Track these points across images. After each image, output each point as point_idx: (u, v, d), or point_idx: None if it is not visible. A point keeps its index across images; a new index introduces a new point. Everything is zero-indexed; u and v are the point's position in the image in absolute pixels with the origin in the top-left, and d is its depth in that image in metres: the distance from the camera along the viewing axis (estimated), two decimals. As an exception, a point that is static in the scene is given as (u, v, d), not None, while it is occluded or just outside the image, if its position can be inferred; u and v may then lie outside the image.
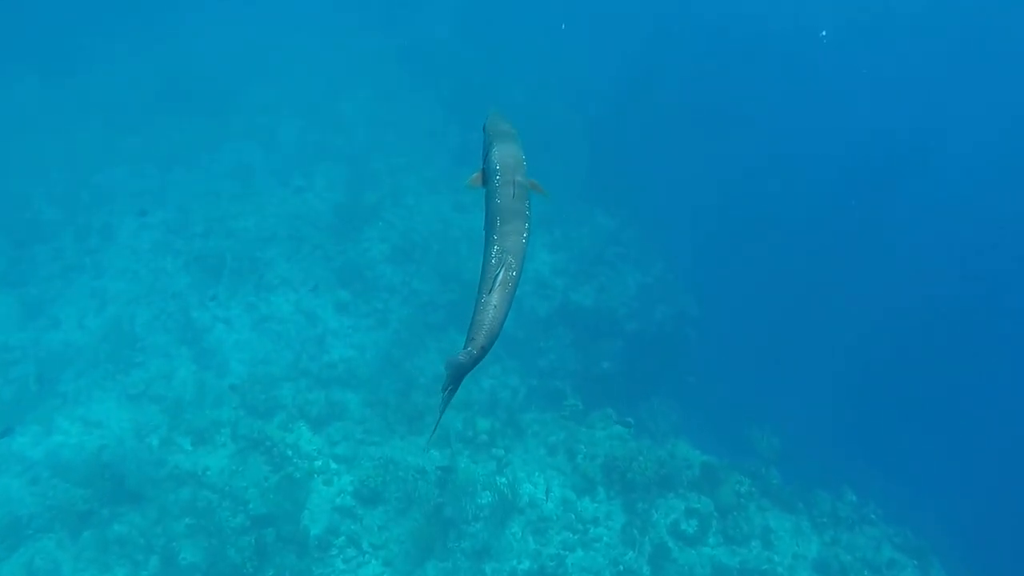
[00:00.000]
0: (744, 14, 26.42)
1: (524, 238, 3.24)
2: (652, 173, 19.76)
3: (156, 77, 21.79)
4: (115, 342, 13.19)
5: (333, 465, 10.98)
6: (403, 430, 11.73)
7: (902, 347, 17.77)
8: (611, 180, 19.14)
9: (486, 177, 3.50)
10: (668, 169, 19.85)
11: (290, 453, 10.87)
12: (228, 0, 26.41)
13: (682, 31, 26.50)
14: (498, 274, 3.10)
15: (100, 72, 22.23)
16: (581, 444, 11.79)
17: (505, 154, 3.47)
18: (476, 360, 2.99)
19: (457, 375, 3.03)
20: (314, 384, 13.05)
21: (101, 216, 16.26)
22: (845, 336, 17.68)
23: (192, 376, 12.73)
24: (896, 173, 22.78)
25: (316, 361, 13.46)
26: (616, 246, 17.18)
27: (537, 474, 11.29)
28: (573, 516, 10.76)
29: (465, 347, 3.01)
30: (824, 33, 27.89)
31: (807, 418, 14.82)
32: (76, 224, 16.04)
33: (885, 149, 23.35)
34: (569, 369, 15.18)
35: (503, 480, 10.86)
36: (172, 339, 13.46)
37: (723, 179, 20.34)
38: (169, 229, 15.85)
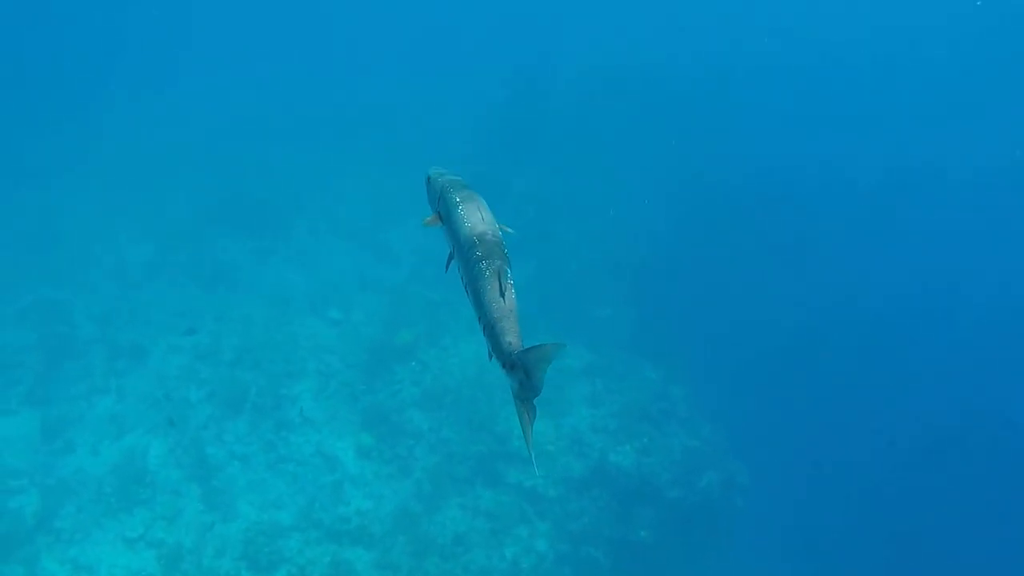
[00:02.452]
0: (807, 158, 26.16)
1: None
2: (706, 324, 19.00)
3: (212, 193, 22.31)
4: (124, 474, 12.58)
5: (330, 642, 9.89)
6: (412, 604, 10.64)
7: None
8: (661, 330, 18.43)
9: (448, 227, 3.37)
10: (725, 321, 19.09)
11: (285, 624, 9.85)
12: (284, 121, 27.52)
13: (731, 175, 26.40)
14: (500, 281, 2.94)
15: (158, 187, 22.89)
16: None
17: (472, 210, 3.28)
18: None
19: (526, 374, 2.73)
20: (324, 537, 12.15)
21: (134, 335, 16.08)
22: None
23: (196, 518, 11.97)
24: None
25: (329, 512, 12.60)
26: (662, 403, 16.21)
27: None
28: None
29: (502, 349, 2.81)
30: None
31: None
32: (109, 342, 15.88)
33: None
34: (604, 535, 13.99)
35: None
36: (183, 475, 12.80)
37: (785, 337, 19.49)
38: (199, 354, 15.53)
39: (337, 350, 16.01)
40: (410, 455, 14.12)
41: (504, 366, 2.84)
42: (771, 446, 15.96)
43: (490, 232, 3.16)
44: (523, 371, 2.74)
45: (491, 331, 2.90)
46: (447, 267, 3.50)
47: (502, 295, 2.92)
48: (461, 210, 3.27)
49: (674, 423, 15.64)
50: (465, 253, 3.13)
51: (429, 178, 3.69)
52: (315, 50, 36.99)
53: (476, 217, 3.23)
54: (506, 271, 2.99)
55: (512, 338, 2.84)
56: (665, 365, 17.23)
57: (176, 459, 13.09)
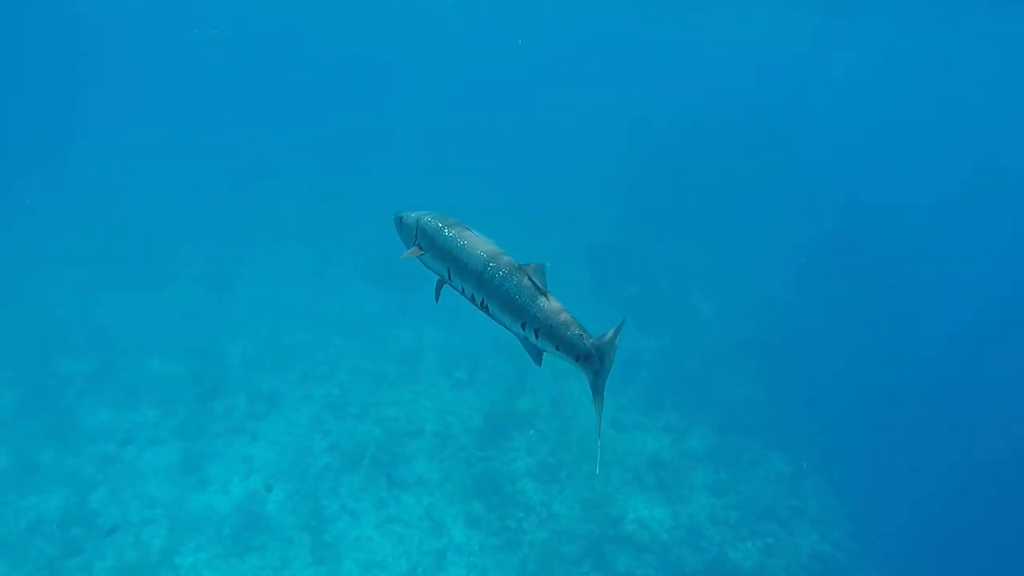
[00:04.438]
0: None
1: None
2: (847, 414, 17.27)
3: (366, 251, 23.51)
4: (244, 517, 13.14)
5: None
6: None
7: None
8: (795, 415, 16.98)
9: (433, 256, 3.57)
10: (870, 411, 17.27)
11: None
12: (424, 181, 28.62)
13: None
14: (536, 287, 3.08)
15: (323, 245, 24.46)
16: None
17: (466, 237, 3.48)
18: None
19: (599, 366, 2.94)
20: (422, 607, 11.97)
21: (275, 381, 17.03)
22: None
23: (303, 572, 12.21)
24: None
25: (430, 580, 12.45)
26: (792, 499, 14.81)
27: None
28: None
29: (572, 342, 2.95)
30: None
31: None
32: (251, 385, 16.91)
33: None
34: (717, 642, 12.84)
35: None
36: (296, 524, 13.17)
37: (943, 434, 17.27)
38: (327, 405, 16.15)
39: (458, 412, 16.05)
40: (519, 528, 13.72)
41: (579, 359, 2.98)
42: (918, 560, 13.97)
43: (498, 251, 3.32)
44: (598, 359, 2.93)
45: (551, 330, 3.00)
46: (437, 296, 3.74)
47: (545, 295, 3.06)
48: (458, 237, 3.45)
49: (804, 522, 14.19)
50: (480, 273, 3.24)
51: (401, 217, 3.86)
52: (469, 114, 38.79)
53: (479, 240, 3.41)
54: (541, 276, 3.14)
55: (578, 329, 2.99)
56: (797, 456, 15.79)
57: (293, 506, 13.52)
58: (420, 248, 3.64)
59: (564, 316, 3.02)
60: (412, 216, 3.76)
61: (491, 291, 3.19)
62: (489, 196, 27.32)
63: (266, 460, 14.67)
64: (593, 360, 2.95)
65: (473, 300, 3.35)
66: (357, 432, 15.22)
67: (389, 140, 32.90)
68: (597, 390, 3.02)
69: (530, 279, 3.12)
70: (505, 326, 3.24)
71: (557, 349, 3.04)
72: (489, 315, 3.33)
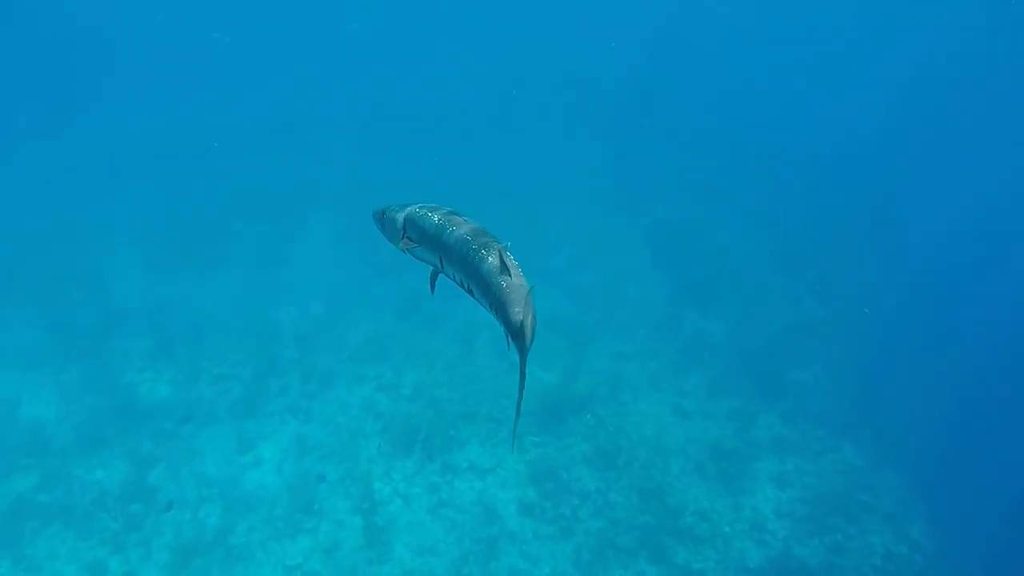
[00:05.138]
0: None
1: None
2: (930, 402, 16.19)
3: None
4: (297, 497, 13.09)
5: None
6: None
7: None
8: (871, 405, 16.00)
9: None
10: (956, 399, 16.16)
11: None
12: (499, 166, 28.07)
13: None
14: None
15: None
16: None
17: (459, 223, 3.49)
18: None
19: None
20: (473, 594, 11.71)
21: (328, 361, 16.93)
22: None
23: (353, 554, 12.08)
24: None
25: (481, 567, 12.17)
26: (864, 494, 13.94)
27: None
28: None
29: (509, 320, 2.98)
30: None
31: None
32: (305, 366, 16.84)
33: None
34: (779, 641, 12.23)
35: None
36: (349, 506, 13.04)
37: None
38: (380, 386, 15.97)
39: (512, 395, 15.65)
40: (574, 516, 13.31)
41: (512, 338, 3.02)
42: (1008, 567, 13.01)
43: (481, 230, 3.38)
44: (523, 337, 2.94)
45: (502, 307, 3.03)
46: (432, 288, 3.83)
47: (508, 273, 3.08)
48: (442, 221, 3.52)
49: (877, 520, 13.35)
50: (460, 253, 3.31)
51: (383, 212, 3.90)
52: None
53: (459, 220, 3.48)
54: (507, 252, 3.15)
55: (519, 308, 3.00)
56: (872, 447, 14.88)
57: (345, 489, 13.40)
58: (411, 240, 3.67)
59: (514, 294, 3.02)
60: (396, 208, 3.79)
61: (472, 275, 3.25)
62: (544, 172, 26.69)
63: (318, 441, 14.59)
64: (520, 340, 2.97)
65: (462, 286, 3.39)
66: (410, 414, 14.99)
67: (445, 114, 32.40)
68: (522, 371, 3.03)
69: (499, 258, 3.14)
70: (485, 308, 3.27)
71: (504, 329, 3.07)
72: (475, 299, 3.37)
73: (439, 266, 3.57)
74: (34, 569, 12.04)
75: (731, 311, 19.04)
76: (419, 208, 3.67)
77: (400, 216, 3.74)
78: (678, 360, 17.38)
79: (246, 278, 20.92)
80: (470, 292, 3.33)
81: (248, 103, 34.21)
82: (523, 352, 2.98)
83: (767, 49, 36.91)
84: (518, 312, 2.96)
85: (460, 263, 3.33)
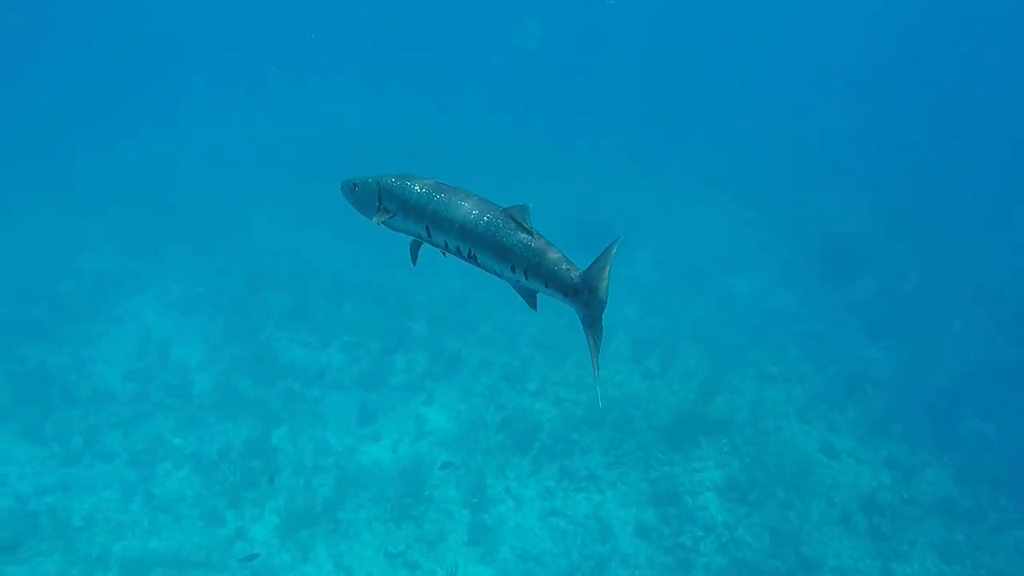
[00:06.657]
0: None
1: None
2: None
3: (569, 219, 22.44)
4: (409, 481, 12.75)
5: None
6: None
7: None
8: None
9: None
10: None
11: None
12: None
13: None
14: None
15: (516, 193, 23.73)
16: None
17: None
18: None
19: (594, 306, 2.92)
20: (575, 615, 10.90)
21: (457, 342, 16.55)
22: None
23: (457, 550, 11.59)
24: None
25: (589, 587, 11.32)
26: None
27: None
28: None
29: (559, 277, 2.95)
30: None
31: None
32: (434, 344, 16.56)
33: None
34: None
35: None
36: (458, 497, 12.56)
37: None
38: (506, 376, 15.38)
39: (644, 405, 14.59)
40: (694, 548, 12.14)
41: (567, 295, 2.96)
42: None
43: (479, 199, 3.29)
44: (587, 291, 2.89)
45: (539, 267, 3.00)
46: (414, 259, 3.75)
47: (530, 234, 3.05)
48: (434, 191, 3.37)
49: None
50: (463, 224, 3.20)
51: (354, 183, 3.66)
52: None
53: (455, 191, 3.36)
54: (525, 216, 3.09)
55: (566, 264, 2.99)
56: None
57: (458, 479, 12.93)
58: (387, 211, 3.54)
59: (553, 254, 3.02)
60: (369, 180, 3.61)
61: (477, 239, 3.18)
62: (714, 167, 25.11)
63: (438, 424, 14.23)
64: (582, 293, 2.89)
65: (459, 253, 3.33)
66: (533, 410, 14.31)
67: (597, 102, 31.38)
68: (589, 325, 2.93)
69: (515, 220, 3.10)
70: (496, 273, 3.23)
71: (546, 287, 3.03)
72: (478, 265, 3.31)
73: (425, 236, 3.44)
74: (164, 508, 12.43)
75: (903, 342, 16.90)
76: (395, 179, 3.51)
77: (373, 187, 3.58)
78: (833, 390, 15.58)
79: (390, 248, 20.95)
80: (472, 259, 3.26)
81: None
82: (597, 308, 2.88)
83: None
84: (567, 267, 2.94)
85: (460, 231, 3.22)
